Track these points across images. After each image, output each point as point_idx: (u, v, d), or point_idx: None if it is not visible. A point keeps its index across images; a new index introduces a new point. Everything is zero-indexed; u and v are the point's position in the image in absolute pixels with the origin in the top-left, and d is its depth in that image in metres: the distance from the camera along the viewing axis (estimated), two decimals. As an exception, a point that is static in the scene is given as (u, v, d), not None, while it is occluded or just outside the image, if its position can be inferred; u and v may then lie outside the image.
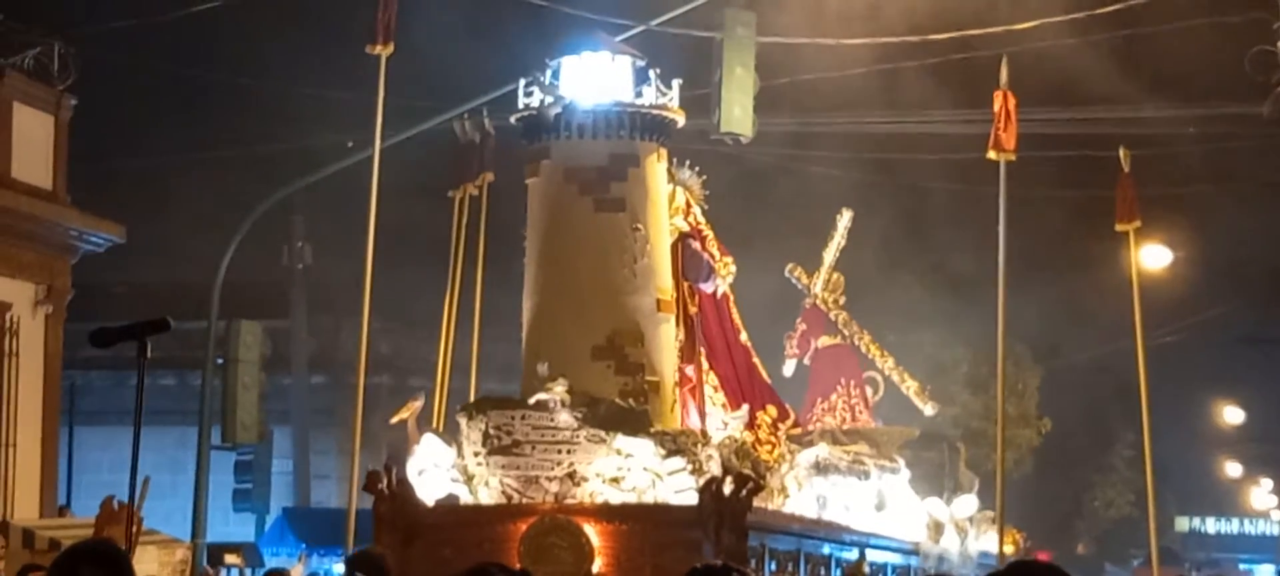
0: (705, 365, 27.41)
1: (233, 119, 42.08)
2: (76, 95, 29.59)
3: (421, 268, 30.72)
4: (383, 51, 24.75)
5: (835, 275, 31.42)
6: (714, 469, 23.73)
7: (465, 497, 24.24)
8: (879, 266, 35.77)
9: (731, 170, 29.73)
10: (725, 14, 27.13)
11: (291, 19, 37.94)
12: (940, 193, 39.97)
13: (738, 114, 26.69)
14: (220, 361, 32.71)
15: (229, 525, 39.67)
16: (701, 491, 23.08)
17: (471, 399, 26.67)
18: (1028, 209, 37.50)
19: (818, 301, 31.35)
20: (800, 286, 31.47)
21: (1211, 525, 76.95)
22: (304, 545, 36.30)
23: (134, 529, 19.02)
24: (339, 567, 28.90)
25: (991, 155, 26.69)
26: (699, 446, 24.19)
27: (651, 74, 25.68)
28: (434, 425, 25.72)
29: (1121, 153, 27.71)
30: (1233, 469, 72.85)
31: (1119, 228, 28.26)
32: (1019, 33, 27.94)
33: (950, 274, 43.44)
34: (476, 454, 24.13)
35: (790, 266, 31.47)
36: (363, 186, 25.77)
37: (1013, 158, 26.74)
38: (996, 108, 26.52)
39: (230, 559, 36.58)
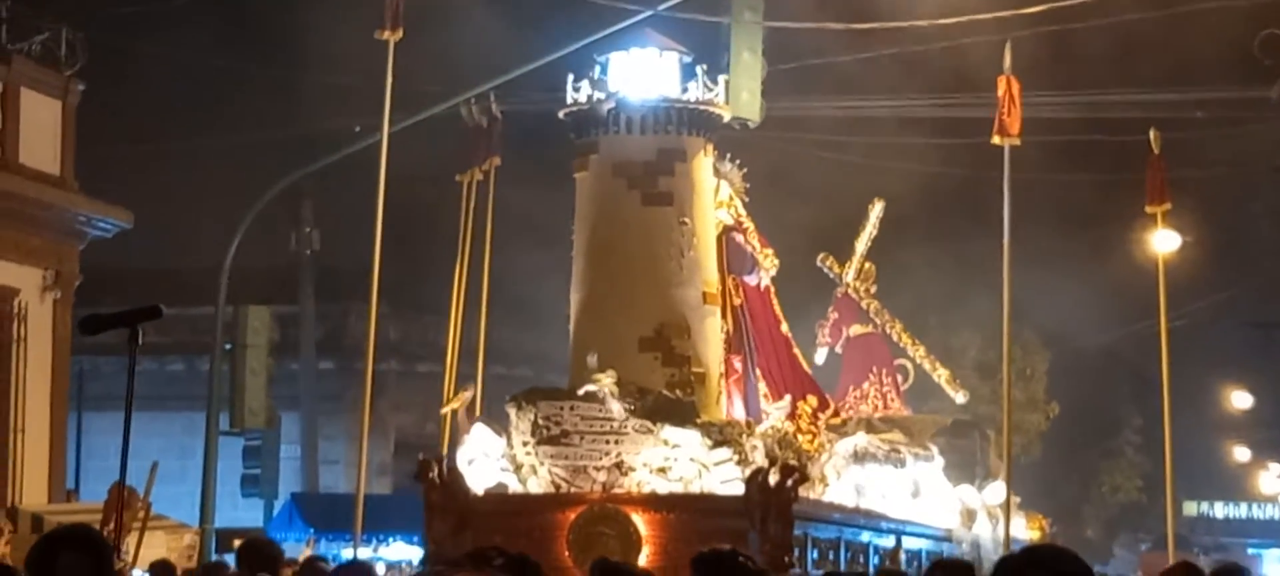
0: (753, 357, 27.67)
1: (241, 103, 42.07)
2: (84, 80, 29.59)
3: (430, 252, 30.74)
4: (392, 37, 24.78)
5: (867, 264, 31.53)
6: (759, 459, 23.94)
7: (514, 486, 24.50)
8: (887, 251, 35.74)
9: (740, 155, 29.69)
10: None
11: (302, 2, 37.89)
12: (946, 177, 39.93)
13: (745, 99, 26.73)
14: (228, 347, 32.76)
15: (237, 510, 39.65)
16: (748, 481, 23.30)
17: (480, 383, 26.80)
18: (1035, 193, 37.48)
19: (850, 290, 31.45)
20: (832, 275, 31.55)
21: (1219, 510, 76.74)
22: (312, 530, 36.29)
23: (144, 513, 19.07)
24: (347, 552, 28.97)
25: (996, 140, 26.64)
26: (744, 437, 24.43)
27: (698, 70, 25.92)
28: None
29: (1152, 135, 27.63)
30: (1241, 453, 72.69)
31: (1149, 210, 28.20)
32: (1028, 17, 27.90)
33: (958, 258, 43.41)
34: (526, 443, 24.37)
35: (822, 255, 31.57)
36: (371, 171, 25.80)
37: (1017, 142, 26.68)
38: (1001, 92, 26.47)
39: (238, 544, 36.57)
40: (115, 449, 7.43)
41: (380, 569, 32.97)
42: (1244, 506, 76.79)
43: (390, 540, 37.13)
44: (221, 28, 41.05)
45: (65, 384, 30.12)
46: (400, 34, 24.75)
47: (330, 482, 45.50)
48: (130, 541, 18.39)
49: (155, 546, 23.09)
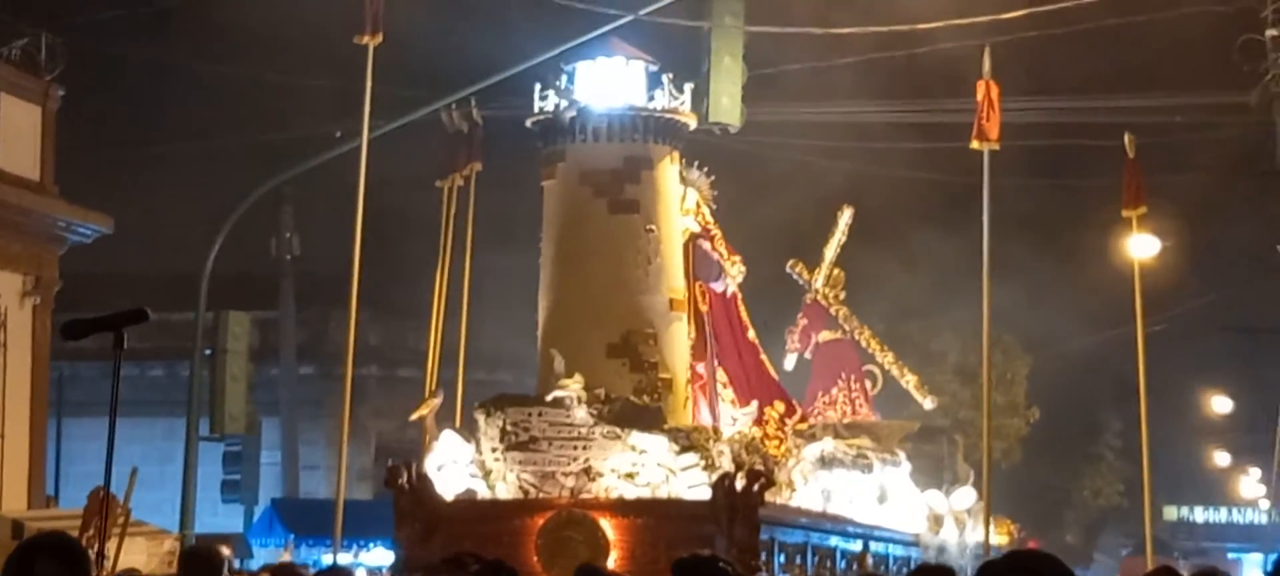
0: (716, 362, 27.87)
1: (220, 109, 42.03)
2: (64, 86, 29.53)
3: (410, 257, 30.73)
4: (371, 42, 24.79)
5: (836, 271, 31.60)
6: (726, 464, 24.13)
7: (483, 492, 24.62)
8: (866, 256, 35.77)
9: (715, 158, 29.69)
10: (713, 4, 27.15)
11: (280, 8, 37.90)
12: (926, 183, 39.96)
13: (726, 103, 26.81)
14: (208, 352, 32.65)
15: (217, 516, 39.61)
16: (714, 487, 23.52)
17: (460, 388, 26.88)
18: (1015, 198, 37.51)
19: (819, 296, 31.50)
20: (801, 281, 31.60)
21: (1200, 514, 76.96)
22: (292, 535, 36.28)
23: (124, 519, 19.01)
24: (327, 557, 28.95)
25: (975, 145, 26.73)
26: (711, 442, 24.63)
27: (664, 78, 26.11)
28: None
29: (1127, 139, 27.71)
30: (1221, 458, 72.78)
31: (1125, 214, 28.26)
32: (1006, 22, 27.92)
33: (938, 263, 43.43)
34: (494, 449, 24.53)
35: (791, 262, 31.63)
36: (351, 176, 25.79)
37: (996, 147, 26.78)
38: (980, 98, 26.54)
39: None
40: (95, 454, 7.41)
41: (360, 574, 32.92)
42: (1224, 511, 76.97)
43: (370, 546, 37.08)
44: (201, 33, 41.01)
45: (45, 389, 30.04)
46: (380, 39, 24.76)
47: (310, 488, 45.47)
48: (110, 547, 18.34)
49: (135, 552, 23.02)
